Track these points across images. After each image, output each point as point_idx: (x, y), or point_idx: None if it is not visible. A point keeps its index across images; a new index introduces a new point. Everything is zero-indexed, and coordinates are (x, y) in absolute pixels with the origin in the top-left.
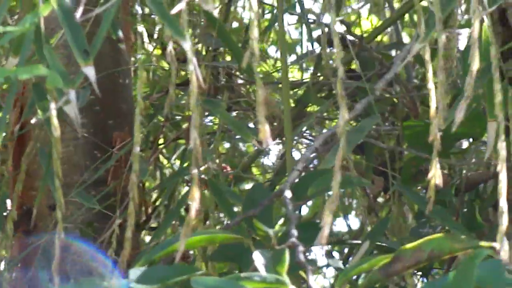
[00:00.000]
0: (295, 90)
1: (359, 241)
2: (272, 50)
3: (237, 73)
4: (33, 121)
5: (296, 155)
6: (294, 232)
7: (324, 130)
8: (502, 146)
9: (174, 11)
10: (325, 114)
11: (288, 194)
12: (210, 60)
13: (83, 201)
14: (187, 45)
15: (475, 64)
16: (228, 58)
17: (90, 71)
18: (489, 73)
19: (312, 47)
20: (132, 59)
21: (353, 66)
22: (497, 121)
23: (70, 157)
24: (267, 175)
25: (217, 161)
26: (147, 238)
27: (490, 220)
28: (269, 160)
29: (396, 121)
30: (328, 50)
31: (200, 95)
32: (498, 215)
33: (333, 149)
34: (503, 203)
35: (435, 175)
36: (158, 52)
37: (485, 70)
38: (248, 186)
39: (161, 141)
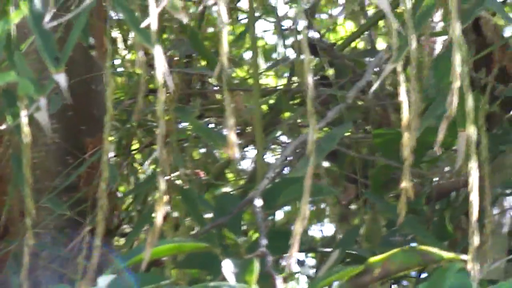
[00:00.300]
0: (268, 96)
1: (331, 249)
2: (249, 55)
3: (211, 79)
4: (2, 127)
5: (272, 160)
6: (264, 241)
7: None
8: (473, 166)
9: (145, 23)
10: (300, 120)
11: (258, 202)
12: (183, 66)
13: (54, 207)
14: (156, 52)
15: (457, 82)
16: (202, 63)
17: (61, 78)
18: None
19: (285, 53)
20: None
21: (330, 72)
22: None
23: (42, 163)
24: (241, 181)
25: (191, 166)
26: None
27: (463, 227)
28: (244, 165)
29: (369, 128)
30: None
31: (172, 102)
32: (469, 232)
33: (304, 157)
34: (474, 224)
35: (407, 187)
36: (133, 57)
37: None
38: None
39: (136, 146)
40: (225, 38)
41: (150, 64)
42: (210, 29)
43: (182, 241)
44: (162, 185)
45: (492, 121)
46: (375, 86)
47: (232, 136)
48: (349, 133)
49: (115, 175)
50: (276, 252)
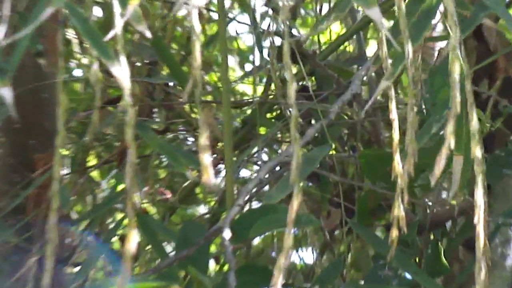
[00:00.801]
0: (242, 109)
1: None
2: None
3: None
4: None
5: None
6: (233, 279)
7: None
8: (479, 194)
9: (108, 37)
10: (279, 135)
11: (227, 234)
12: (145, 74)
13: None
14: (116, 71)
15: (457, 106)
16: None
17: (6, 93)
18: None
19: (262, 59)
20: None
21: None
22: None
23: None
24: (213, 201)
25: (154, 186)
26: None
27: (460, 260)
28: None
29: (356, 145)
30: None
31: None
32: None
33: (281, 181)
34: (481, 260)
35: (398, 218)
36: (90, 61)
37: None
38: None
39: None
40: (198, 52)
41: (107, 72)
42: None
43: (140, 280)
44: (132, 223)
45: (494, 140)
46: (366, 106)
47: (206, 159)
48: (333, 151)
49: (67, 200)
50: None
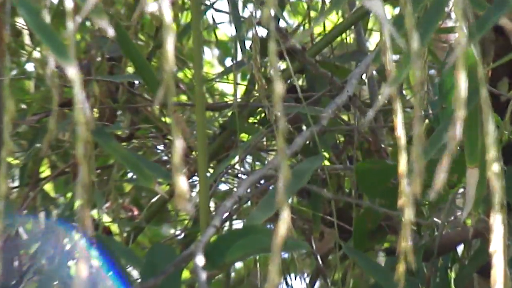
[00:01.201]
0: (223, 111)
1: None
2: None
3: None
4: None
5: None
6: None
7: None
8: (497, 215)
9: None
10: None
11: (200, 260)
12: (106, 72)
13: None
14: (71, 72)
15: (462, 111)
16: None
17: None
18: (472, 103)
19: (244, 53)
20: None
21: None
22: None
23: None
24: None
25: (120, 201)
26: None
27: None
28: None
29: (353, 155)
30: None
31: (91, 121)
32: None
33: (265, 199)
34: None
35: (406, 250)
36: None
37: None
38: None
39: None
40: (171, 46)
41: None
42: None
43: None
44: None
45: None
46: (368, 117)
47: (181, 182)
48: (327, 162)
49: (15, 218)
50: None
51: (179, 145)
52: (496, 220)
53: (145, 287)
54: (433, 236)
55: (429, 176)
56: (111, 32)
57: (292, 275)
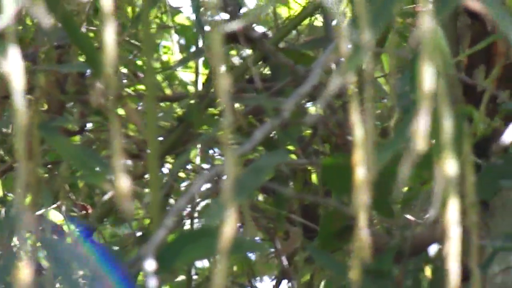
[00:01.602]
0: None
1: None
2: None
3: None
4: None
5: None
6: None
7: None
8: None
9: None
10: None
11: (150, 265)
12: (54, 61)
13: None
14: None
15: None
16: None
17: None
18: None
19: (205, 40)
20: None
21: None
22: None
23: None
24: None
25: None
26: None
27: None
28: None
29: (319, 149)
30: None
31: (35, 114)
32: None
33: (220, 198)
34: None
35: (361, 244)
36: None
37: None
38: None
39: None
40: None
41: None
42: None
43: None
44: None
45: (491, 144)
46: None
47: (123, 183)
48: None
49: None
50: None
51: (118, 141)
52: (451, 227)
53: None
54: (404, 237)
55: (394, 172)
56: (48, 21)
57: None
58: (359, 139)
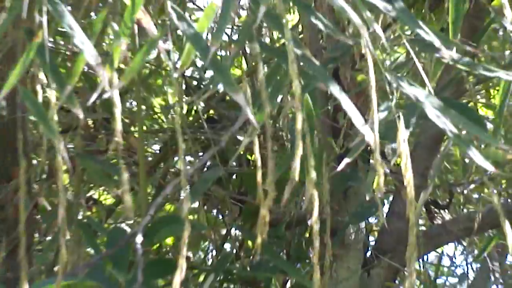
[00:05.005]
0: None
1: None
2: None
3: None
4: None
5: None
6: (140, 275)
7: None
8: (315, 207)
9: None
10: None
11: (139, 238)
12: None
13: None
14: None
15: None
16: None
17: None
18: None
19: None
20: None
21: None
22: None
23: None
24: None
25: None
26: None
27: (325, 243)
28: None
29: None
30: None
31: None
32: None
33: (185, 196)
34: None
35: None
36: None
37: None
38: None
39: None
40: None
41: None
42: None
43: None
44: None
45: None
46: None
47: (128, 201)
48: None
49: (27, 204)
50: (155, 277)
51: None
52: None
53: (104, 255)
54: (292, 215)
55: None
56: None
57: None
58: (259, 164)
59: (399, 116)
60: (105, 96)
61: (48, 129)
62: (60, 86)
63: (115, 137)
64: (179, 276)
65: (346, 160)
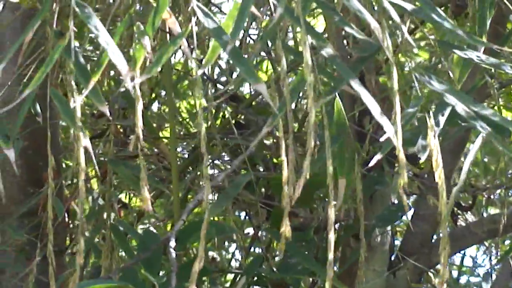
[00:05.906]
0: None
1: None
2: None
3: None
4: None
5: None
6: (174, 279)
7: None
8: (332, 210)
9: None
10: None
11: (172, 243)
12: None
13: (12, 233)
14: None
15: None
16: None
17: (10, 153)
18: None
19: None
20: None
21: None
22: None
23: (7, 193)
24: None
25: None
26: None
27: (351, 246)
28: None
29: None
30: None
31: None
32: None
33: (217, 200)
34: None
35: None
36: None
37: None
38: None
39: None
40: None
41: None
42: None
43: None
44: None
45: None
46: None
47: (145, 193)
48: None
49: (61, 208)
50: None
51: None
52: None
53: (137, 260)
54: (320, 219)
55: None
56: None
57: None
58: (285, 165)
59: (428, 112)
60: (128, 86)
61: (70, 121)
62: (85, 81)
63: (136, 132)
64: (197, 264)
65: (377, 157)
